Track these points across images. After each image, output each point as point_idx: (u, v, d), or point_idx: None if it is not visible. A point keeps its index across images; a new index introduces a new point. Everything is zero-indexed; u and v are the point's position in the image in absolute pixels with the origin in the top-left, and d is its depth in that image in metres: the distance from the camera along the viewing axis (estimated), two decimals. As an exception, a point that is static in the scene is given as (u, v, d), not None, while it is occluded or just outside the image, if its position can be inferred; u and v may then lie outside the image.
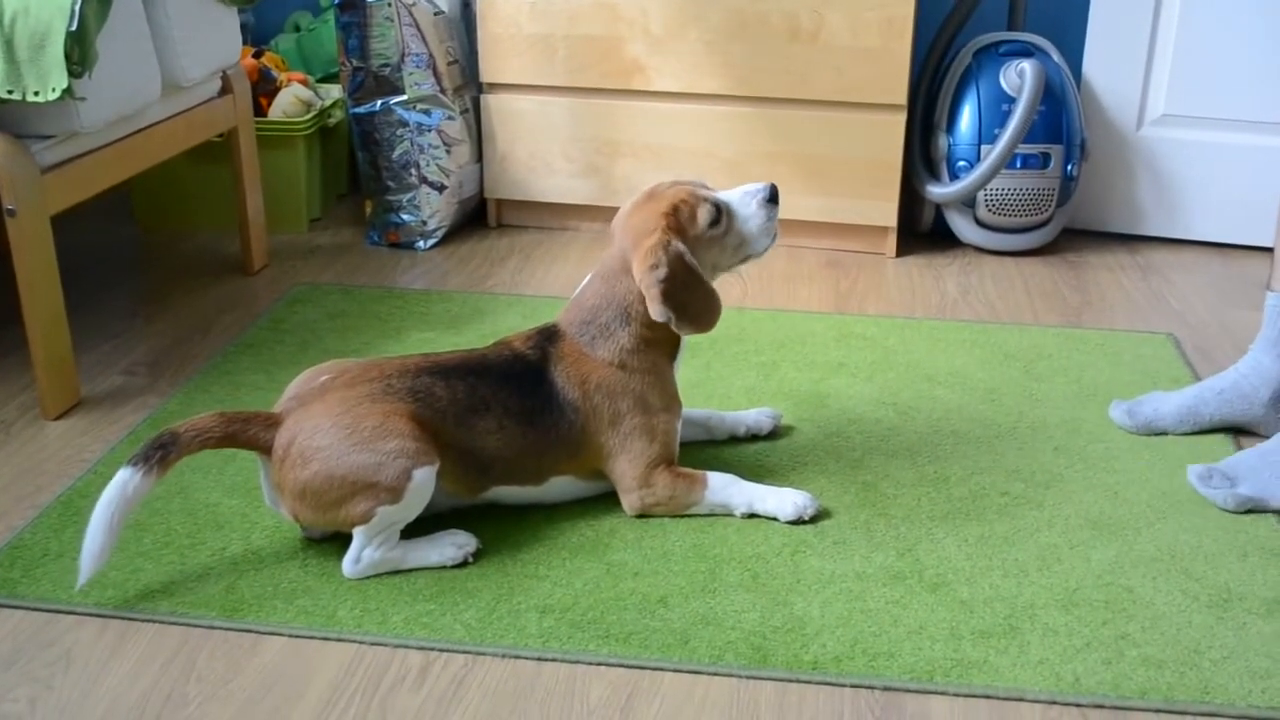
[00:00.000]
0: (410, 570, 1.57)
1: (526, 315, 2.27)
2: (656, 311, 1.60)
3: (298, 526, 1.63)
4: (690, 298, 1.62)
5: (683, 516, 1.67)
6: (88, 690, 1.37)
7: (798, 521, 1.66)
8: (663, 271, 1.60)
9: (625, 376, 1.65)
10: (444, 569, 1.56)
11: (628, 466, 1.66)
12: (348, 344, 2.18)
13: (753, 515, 1.68)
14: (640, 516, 1.67)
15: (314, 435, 1.52)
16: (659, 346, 1.68)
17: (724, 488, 1.68)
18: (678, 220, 1.64)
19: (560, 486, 1.68)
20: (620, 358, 1.65)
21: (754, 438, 1.89)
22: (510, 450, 1.62)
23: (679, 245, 1.62)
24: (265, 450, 1.54)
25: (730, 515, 1.68)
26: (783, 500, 1.67)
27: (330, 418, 1.52)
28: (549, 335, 1.68)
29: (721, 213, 1.67)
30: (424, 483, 1.53)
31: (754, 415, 1.89)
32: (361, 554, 1.55)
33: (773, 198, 1.70)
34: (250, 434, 1.54)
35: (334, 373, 1.60)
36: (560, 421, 1.63)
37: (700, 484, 1.67)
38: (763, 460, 1.82)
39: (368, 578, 1.55)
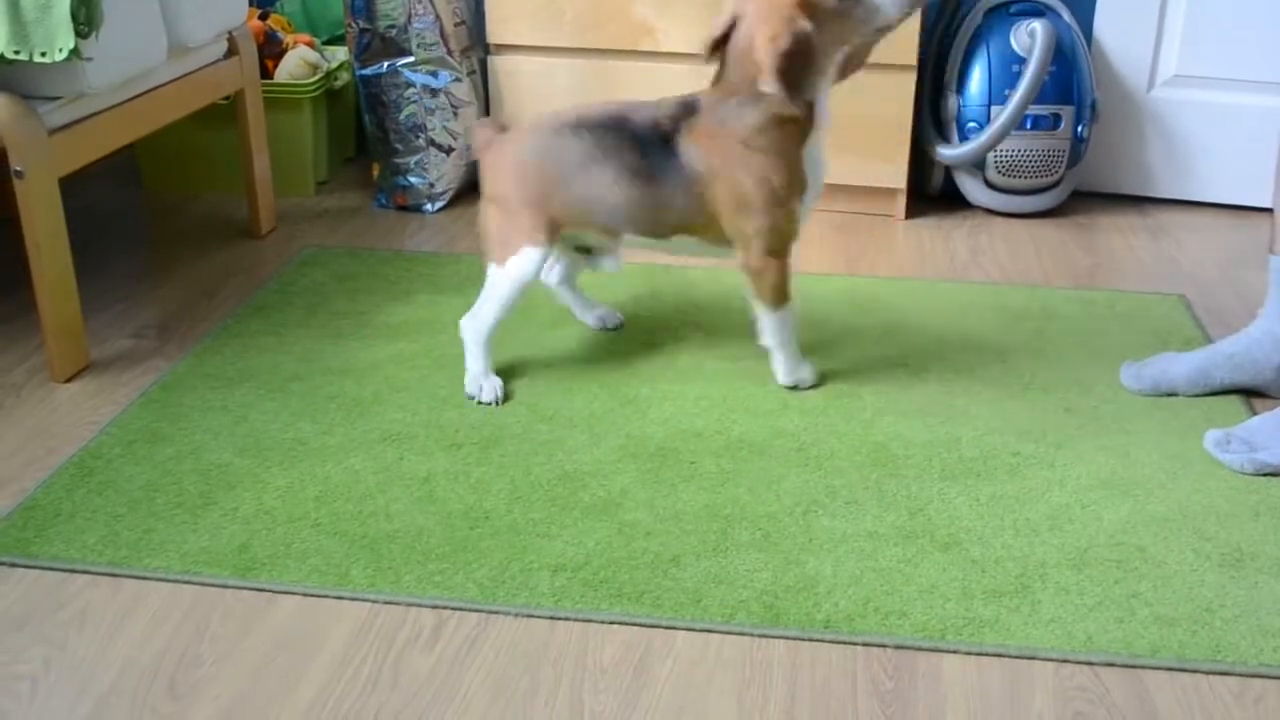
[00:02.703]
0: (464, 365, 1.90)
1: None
2: (766, 84, 1.66)
3: (311, 484, 1.64)
4: (803, 77, 1.68)
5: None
6: (102, 650, 1.37)
7: (792, 388, 1.90)
8: (784, 43, 1.64)
9: (751, 154, 1.74)
10: (452, 528, 1.56)
11: (752, 239, 1.80)
12: (357, 306, 2.18)
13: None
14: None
15: (488, 174, 1.84)
16: (790, 127, 1.74)
17: (786, 322, 1.87)
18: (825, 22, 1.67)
19: (685, 245, 1.86)
20: (749, 135, 1.74)
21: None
22: (628, 203, 1.80)
23: (806, 24, 1.65)
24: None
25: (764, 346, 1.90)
26: (793, 368, 1.90)
27: (508, 159, 1.82)
28: (688, 107, 1.80)
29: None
30: (527, 263, 1.81)
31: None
32: (478, 309, 1.87)
33: None
34: (484, 137, 1.88)
35: (537, 116, 1.88)
36: (678, 189, 1.78)
37: (787, 303, 1.86)
38: (775, 421, 1.82)
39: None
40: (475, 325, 1.89)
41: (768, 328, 1.88)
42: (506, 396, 1.88)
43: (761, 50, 1.67)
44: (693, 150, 1.77)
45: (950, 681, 1.33)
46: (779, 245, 1.81)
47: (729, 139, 1.75)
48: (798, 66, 1.67)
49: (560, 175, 1.80)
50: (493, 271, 1.86)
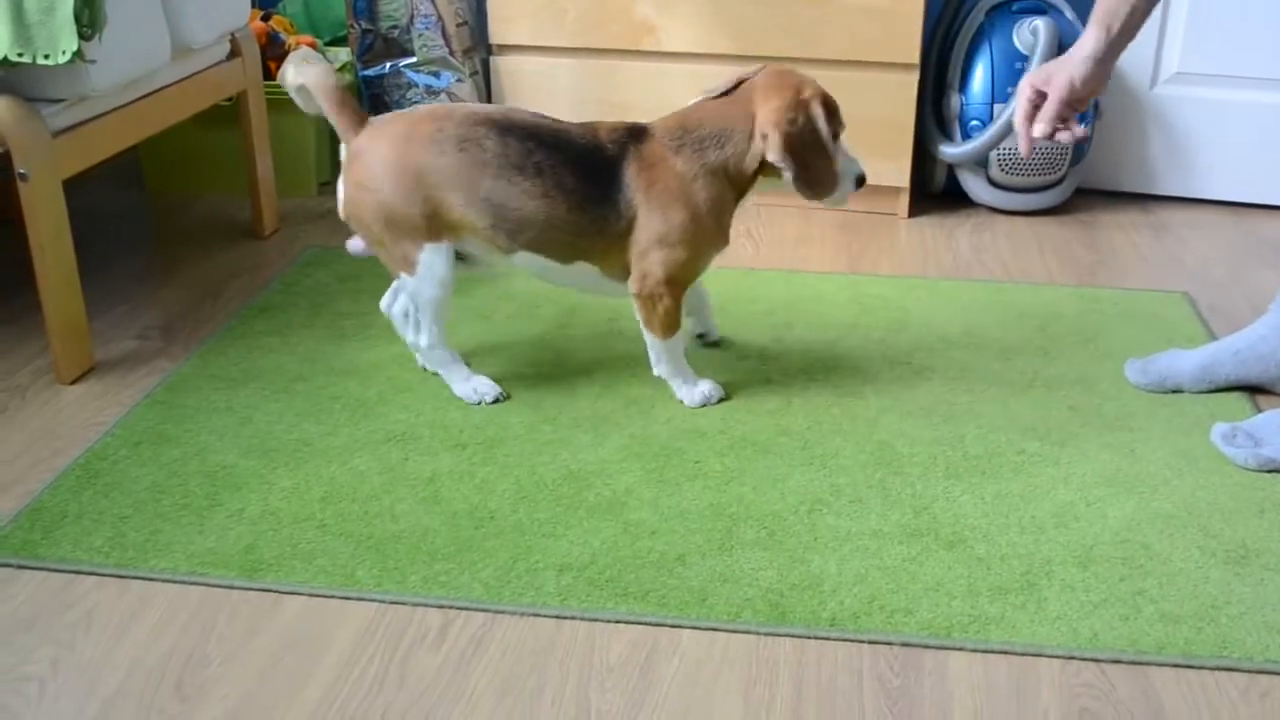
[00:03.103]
0: (445, 384, 1.86)
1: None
2: (775, 156, 1.70)
3: (316, 484, 1.64)
4: (813, 158, 1.73)
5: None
6: (109, 651, 1.37)
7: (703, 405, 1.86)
8: (798, 122, 1.70)
9: (694, 191, 1.73)
10: (457, 528, 1.56)
11: (656, 265, 1.75)
12: (360, 306, 2.18)
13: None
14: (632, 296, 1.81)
15: (371, 162, 1.71)
16: (734, 183, 1.77)
17: (676, 349, 1.84)
18: (823, 101, 1.74)
19: (582, 274, 1.80)
20: (697, 172, 1.73)
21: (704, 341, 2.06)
22: (548, 221, 1.72)
23: (820, 112, 1.72)
24: (348, 140, 1.74)
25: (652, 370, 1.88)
26: (693, 391, 1.85)
27: (386, 151, 1.70)
28: (635, 134, 1.76)
29: (836, 141, 1.77)
30: (436, 265, 1.73)
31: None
32: (420, 332, 1.81)
33: (860, 183, 1.81)
34: (343, 114, 1.73)
35: (425, 109, 1.76)
36: (610, 215, 1.73)
37: (677, 331, 1.82)
38: (779, 420, 1.82)
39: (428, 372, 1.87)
40: (425, 342, 1.83)
41: (660, 357, 1.84)
42: (508, 395, 1.87)
43: (773, 121, 1.70)
44: (636, 177, 1.73)
45: (956, 679, 1.34)
46: (682, 279, 1.78)
47: (677, 170, 1.73)
48: (805, 147, 1.71)
49: (472, 179, 1.70)
50: (405, 281, 1.77)
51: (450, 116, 1.72)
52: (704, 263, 1.80)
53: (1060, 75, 1.68)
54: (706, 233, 1.76)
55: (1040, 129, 1.69)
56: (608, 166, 1.73)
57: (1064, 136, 1.70)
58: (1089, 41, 1.67)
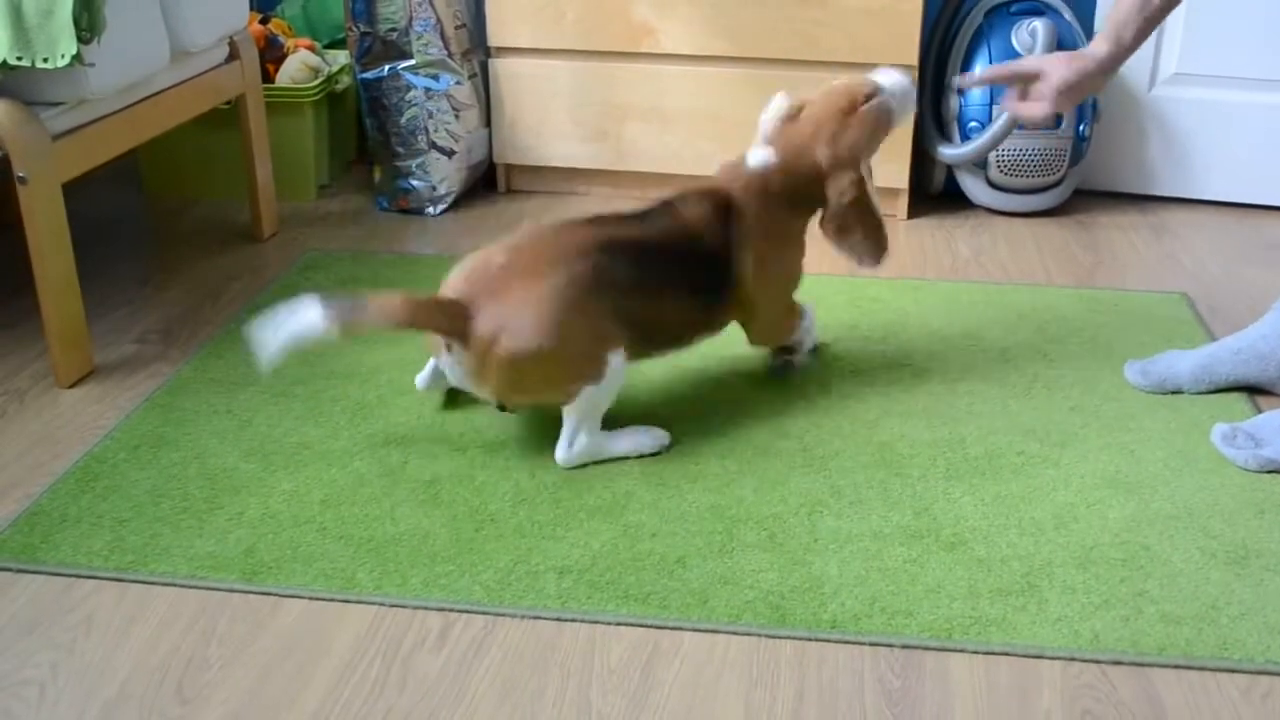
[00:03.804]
0: (612, 459, 1.72)
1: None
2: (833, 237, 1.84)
3: (316, 487, 1.64)
4: (860, 218, 1.82)
5: (703, 463, 1.68)
6: (110, 654, 1.37)
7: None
8: (849, 194, 1.80)
9: (792, 229, 1.85)
10: (457, 531, 1.56)
11: (784, 311, 1.90)
12: (360, 310, 2.18)
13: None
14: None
15: (523, 324, 1.61)
16: (806, 220, 1.87)
17: (811, 322, 1.96)
18: (872, 138, 1.83)
19: (698, 344, 1.84)
20: (791, 213, 1.84)
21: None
22: (683, 321, 1.78)
23: (868, 182, 1.80)
24: (458, 336, 1.63)
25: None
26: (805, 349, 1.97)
27: (534, 306, 1.61)
28: (716, 194, 1.79)
29: (894, 114, 1.86)
30: (619, 365, 1.68)
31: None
32: (575, 439, 1.69)
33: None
34: (438, 320, 1.64)
35: (506, 256, 1.68)
36: (728, 290, 1.79)
37: (801, 317, 1.93)
38: (779, 423, 1.82)
39: (574, 467, 1.71)
40: (587, 438, 1.70)
41: (803, 337, 1.96)
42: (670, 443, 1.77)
43: (836, 195, 1.80)
44: (742, 232, 1.77)
45: (957, 680, 1.33)
46: (796, 306, 1.92)
47: (777, 214, 1.81)
48: (857, 218, 1.81)
49: (619, 306, 1.67)
50: (585, 392, 1.66)
51: (566, 257, 1.65)
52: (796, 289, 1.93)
53: (1069, 66, 1.77)
54: (800, 261, 1.89)
55: (1043, 108, 1.78)
56: (712, 254, 1.76)
57: (1033, 109, 1.79)
58: (1103, 48, 1.77)
